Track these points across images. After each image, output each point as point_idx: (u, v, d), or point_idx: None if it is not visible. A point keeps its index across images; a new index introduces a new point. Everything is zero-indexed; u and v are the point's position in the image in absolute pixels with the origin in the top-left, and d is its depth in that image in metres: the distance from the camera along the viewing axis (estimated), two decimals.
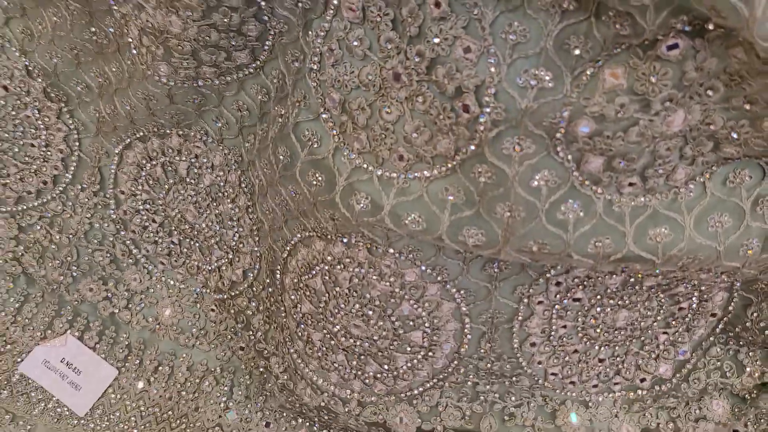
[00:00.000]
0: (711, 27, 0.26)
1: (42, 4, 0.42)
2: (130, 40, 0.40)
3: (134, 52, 0.40)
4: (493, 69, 0.30)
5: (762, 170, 0.33)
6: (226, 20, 0.35)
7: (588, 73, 0.29)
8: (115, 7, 0.38)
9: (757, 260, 0.34)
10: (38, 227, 0.52)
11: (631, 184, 0.32)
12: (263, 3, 0.35)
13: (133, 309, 0.54)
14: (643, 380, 0.45)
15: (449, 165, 0.33)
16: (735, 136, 0.30)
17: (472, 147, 0.32)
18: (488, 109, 0.30)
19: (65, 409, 0.52)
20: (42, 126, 0.49)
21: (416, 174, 0.34)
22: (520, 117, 0.30)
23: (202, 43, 0.37)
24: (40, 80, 0.46)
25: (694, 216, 0.33)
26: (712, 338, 0.44)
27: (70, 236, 0.52)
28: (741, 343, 0.44)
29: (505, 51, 0.30)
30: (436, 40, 0.30)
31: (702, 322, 0.43)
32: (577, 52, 0.29)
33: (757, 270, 0.35)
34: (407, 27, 0.31)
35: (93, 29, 0.42)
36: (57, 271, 0.53)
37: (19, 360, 0.53)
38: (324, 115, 0.36)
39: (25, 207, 0.52)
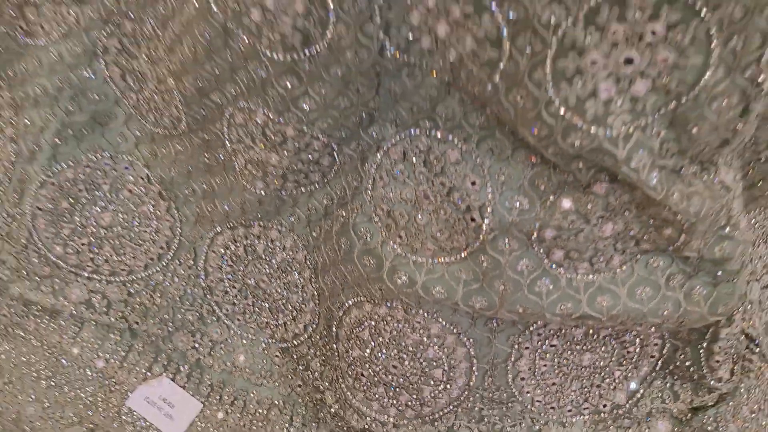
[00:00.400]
0: (620, 177, 0.43)
1: (169, 137, 0.60)
2: (236, 165, 0.57)
3: (237, 171, 0.57)
4: (490, 196, 0.47)
5: (670, 257, 0.50)
6: (310, 157, 0.53)
7: (550, 200, 0.46)
8: (230, 146, 0.55)
9: (672, 318, 0.50)
10: (144, 293, 0.68)
11: (583, 268, 0.49)
12: (336, 147, 0.52)
13: (215, 356, 0.69)
14: (605, 406, 0.60)
15: (462, 255, 0.50)
16: (646, 238, 0.47)
17: (477, 244, 0.48)
18: (488, 221, 0.47)
19: None
20: (154, 218, 0.65)
21: (439, 260, 0.51)
22: (508, 226, 0.47)
23: (290, 170, 0.54)
24: (157, 185, 0.63)
25: (627, 288, 0.50)
26: (653, 374, 0.59)
27: (168, 299, 0.68)
28: (675, 377, 0.59)
29: (497, 185, 0.47)
30: (453, 176, 0.47)
31: (645, 362, 0.59)
32: (542, 187, 0.46)
33: (673, 325, 0.51)
34: (434, 166, 0.48)
35: (207, 156, 0.59)
36: (156, 326, 0.69)
37: (126, 397, 0.69)
38: (375, 219, 0.52)
39: (134, 277, 0.68)
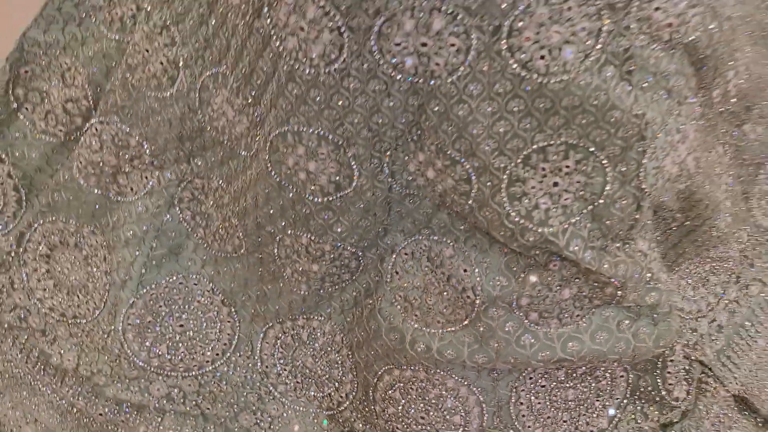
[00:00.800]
0: (565, 257, 0.61)
1: (230, 259, 0.77)
2: (285, 274, 0.74)
3: (285, 278, 0.75)
4: (478, 278, 0.64)
5: (617, 308, 0.67)
6: (342, 263, 0.71)
7: (521, 277, 0.64)
8: (279, 261, 0.73)
9: (626, 354, 0.67)
10: (212, 383, 0.84)
11: (554, 323, 0.66)
12: (361, 253, 0.70)
13: (274, 428, 0.85)
14: (591, 431, 0.76)
15: (464, 323, 0.67)
16: (595, 296, 0.65)
17: (473, 314, 0.66)
18: (479, 297, 0.65)
19: None
20: (218, 321, 0.82)
21: (447, 330, 0.68)
22: (494, 299, 0.65)
23: (327, 274, 0.72)
24: (220, 295, 0.81)
25: (588, 335, 0.67)
26: (625, 400, 0.76)
27: (232, 386, 0.84)
28: (643, 401, 0.75)
29: (482, 270, 0.64)
30: (449, 267, 0.65)
31: (617, 391, 0.75)
32: (515, 269, 0.63)
33: (629, 359, 0.68)
34: (434, 261, 0.66)
35: (260, 269, 0.76)
36: (224, 410, 0.85)
37: None
38: (395, 304, 0.70)
39: (204, 371, 0.84)
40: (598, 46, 0.47)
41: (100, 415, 0.83)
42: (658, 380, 0.73)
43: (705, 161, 0.60)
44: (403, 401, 0.73)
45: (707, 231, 0.70)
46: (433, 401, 0.72)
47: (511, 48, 0.47)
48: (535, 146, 0.52)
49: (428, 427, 0.74)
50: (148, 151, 0.71)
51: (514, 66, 0.48)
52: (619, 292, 0.63)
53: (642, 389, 0.74)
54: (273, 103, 0.55)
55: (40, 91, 0.73)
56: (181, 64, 0.61)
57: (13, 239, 0.82)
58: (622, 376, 0.74)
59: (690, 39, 0.50)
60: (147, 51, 0.62)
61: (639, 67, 0.49)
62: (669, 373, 0.72)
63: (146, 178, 0.74)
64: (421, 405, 0.73)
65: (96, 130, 0.71)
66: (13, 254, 0.83)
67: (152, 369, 0.81)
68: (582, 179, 0.55)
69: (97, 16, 0.68)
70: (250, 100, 0.57)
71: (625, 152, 0.53)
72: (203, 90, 0.62)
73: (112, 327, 0.79)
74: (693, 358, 0.80)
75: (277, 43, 0.51)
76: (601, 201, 0.56)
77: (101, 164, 0.73)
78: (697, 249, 0.76)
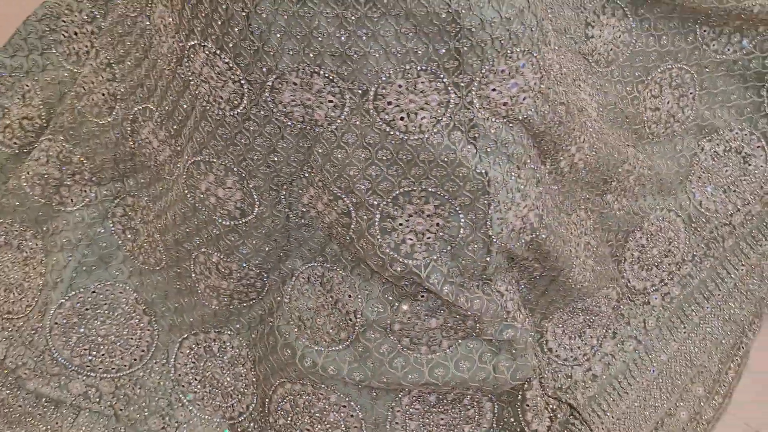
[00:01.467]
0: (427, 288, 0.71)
1: (152, 272, 0.86)
2: (198, 289, 0.83)
3: (199, 293, 0.84)
4: (360, 303, 0.74)
5: (481, 341, 0.76)
6: (248, 282, 0.80)
7: (395, 305, 0.73)
8: (194, 276, 0.82)
9: (486, 383, 0.76)
10: (127, 385, 0.91)
11: (423, 350, 0.75)
12: (265, 275, 0.80)
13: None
14: None
15: (346, 344, 0.76)
16: (459, 328, 0.74)
17: (354, 336, 0.75)
18: (359, 321, 0.74)
19: None
20: (138, 329, 0.90)
21: (332, 348, 0.77)
22: (371, 323, 0.74)
23: (235, 291, 0.81)
24: (142, 305, 0.89)
25: (453, 363, 0.76)
26: (492, 429, 0.84)
27: (146, 390, 0.91)
28: (507, 431, 0.84)
29: (364, 296, 0.74)
30: (338, 292, 0.75)
31: (484, 420, 0.84)
32: (390, 297, 0.73)
33: (490, 388, 0.77)
34: (326, 286, 0.76)
35: (178, 283, 0.85)
36: (135, 412, 0.91)
37: None
38: (291, 322, 0.79)
39: (121, 374, 0.91)
40: (447, 115, 0.59)
41: (20, 406, 0.90)
42: (519, 413, 0.82)
43: (553, 220, 0.72)
44: (292, 413, 0.82)
45: (566, 282, 0.81)
46: (317, 414, 0.81)
47: (377, 108, 0.58)
48: (401, 190, 0.63)
49: None
50: (87, 168, 0.81)
51: (380, 123, 0.59)
52: (478, 325, 0.73)
53: (506, 420, 0.84)
54: (190, 135, 0.66)
55: (3, 107, 0.83)
56: (118, 97, 0.72)
57: None
58: (489, 406, 0.83)
59: (523, 117, 0.62)
60: (92, 83, 0.73)
61: (482, 135, 0.60)
62: (527, 406, 0.81)
63: (85, 191, 0.84)
64: (307, 418, 0.81)
65: (44, 146, 0.81)
66: None
67: (73, 367, 0.89)
68: (441, 222, 0.65)
69: (57, 49, 0.79)
70: (172, 132, 0.68)
71: (474, 203, 0.64)
72: (134, 121, 0.73)
73: (40, 324, 0.87)
74: (563, 400, 0.90)
75: (194, 88, 0.62)
76: (457, 243, 0.66)
77: (46, 176, 0.82)
78: (564, 299, 0.86)
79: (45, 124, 0.83)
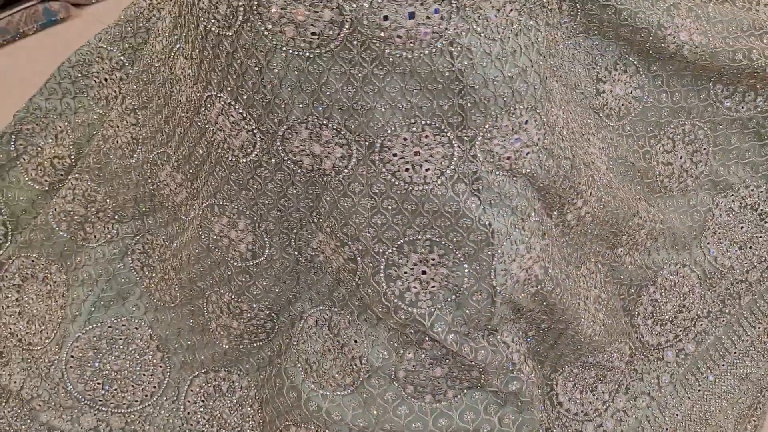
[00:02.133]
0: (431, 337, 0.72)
1: (167, 308, 0.88)
2: (210, 327, 0.85)
3: (211, 332, 0.86)
4: (366, 349, 0.75)
5: (487, 392, 0.76)
6: (258, 323, 0.81)
7: (400, 352, 0.74)
8: (207, 315, 0.84)
9: None
10: (137, 422, 0.93)
11: (428, 398, 0.75)
12: (275, 316, 0.81)
13: None
14: None
15: (351, 389, 0.77)
16: (464, 377, 0.74)
17: (359, 381, 0.76)
18: (364, 367, 0.75)
19: None
20: (151, 365, 0.92)
21: (337, 393, 0.77)
22: (376, 369, 0.75)
23: (245, 331, 0.82)
24: (156, 341, 0.91)
25: (458, 413, 0.75)
26: None
27: (155, 427, 0.93)
28: None
29: (370, 342, 0.75)
30: (344, 336, 0.76)
31: None
32: (395, 344, 0.74)
33: None
34: (333, 330, 0.77)
35: (191, 321, 0.87)
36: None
37: None
38: (298, 365, 0.80)
39: (132, 410, 0.92)
40: (452, 167, 0.60)
41: None
42: None
43: (560, 272, 0.72)
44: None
45: (574, 336, 0.80)
46: None
47: (383, 160, 0.60)
48: (406, 238, 0.65)
49: None
50: (110, 206, 0.84)
51: (386, 173, 0.61)
52: (483, 376, 0.73)
53: None
54: (206, 180, 0.69)
55: (37, 145, 0.88)
56: (140, 140, 0.76)
57: None
58: None
59: (527, 171, 0.63)
60: (118, 126, 0.77)
61: (486, 187, 0.62)
62: None
63: (107, 228, 0.87)
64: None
65: (71, 184, 0.85)
66: None
67: (85, 401, 0.91)
68: (445, 271, 0.66)
69: (88, 93, 0.83)
70: (188, 176, 0.71)
71: (478, 253, 0.65)
72: (153, 164, 0.76)
73: (57, 357, 0.90)
74: None
75: (210, 135, 0.65)
76: (461, 292, 0.67)
77: (72, 213, 0.86)
78: (575, 353, 0.86)
79: (74, 164, 0.87)
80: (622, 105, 0.84)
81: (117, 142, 0.77)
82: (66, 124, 0.86)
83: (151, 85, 0.72)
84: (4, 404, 0.93)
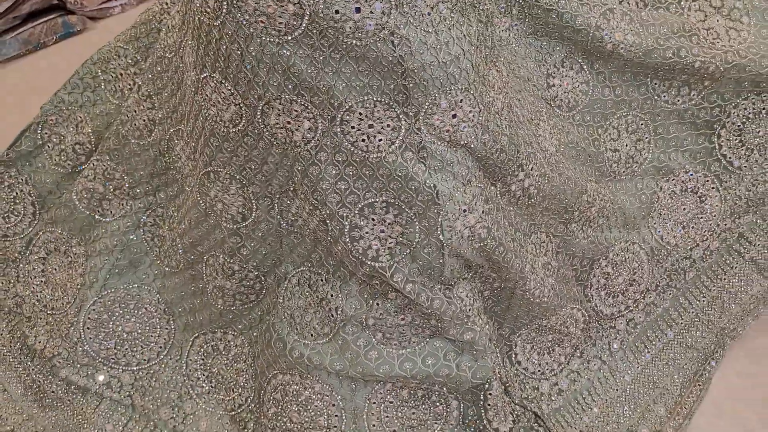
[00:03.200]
0: (394, 287, 0.84)
1: (172, 274, 1.01)
2: (208, 289, 0.98)
3: (208, 293, 0.98)
4: (341, 301, 0.87)
5: (446, 340, 0.88)
6: (248, 284, 0.94)
7: (370, 302, 0.86)
8: (205, 278, 0.97)
9: (449, 380, 0.87)
10: (145, 378, 1.04)
11: (395, 344, 0.87)
12: (263, 277, 0.94)
13: (186, 423, 1.03)
14: None
15: (329, 338, 0.89)
16: (425, 326, 0.86)
17: (335, 330, 0.88)
18: (340, 317, 0.87)
19: None
20: (158, 327, 1.04)
21: (317, 341, 0.89)
22: (350, 318, 0.87)
23: (237, 292, 0.95)
24: (163, 306, 1.03)
25: (420, 359, 0.87)
26: (458, 427, 0.94)
27: (160, 383, 1.05)
28: (471, 428, 0.94)
29: (344, 295, 0.87)
30: (322, 292, 0.88)
31: (452, 417, 0.93)
32: (366, 296, 0.86)
33: (454, 385, 0.88)
34: (312, 288, 0.89)
35: (192, 285, 1.00)
36: (149, 402, 1.04)
37: None
38: (283, 319, 0.92)
39: (140, 367, 1.05)
40: (400, 138, 0.73)
41: (53, 392, 1.04)
42: (482, 411, 0.92)
43: (504, 235, 0.84)
44: (282, 402, 0.94)
45: (524, 295, 0.92)
46: (304, 402, 0.92)
47: (343, 132, 0.73)
48: (366, 201, 0.77)
49: (298, 426, 0.93)
50: (127, 182, 0.98)
51: (346, 144, 0.74)
52: (440, 324, 0.85)
53: (470, 417, 0.93)
54: (202, 150, 0.82)
55: (60, 134, 1.02)
56: (156, 121, 0.89)
57: (24, 242, 1.08)
58: (455, 404, 0.93)
59: (464, 143, 0.75)
60: (135, 111, 0.91)
61: (430, 155, 0.74)
62: (489, 405, 0.91)
63: (122, 204, 1.00)
64: (294, 406, 0.93)
65: (93, 165, 0.99)
66: (22, 254, 1.08)
67: (100, 359, 1.03)
68: (400, 229, 0.79)
69: (106, 87, 0.98)
70: (192, 149, 0.85)
71: (426, 211, 0.77)
72: (170, 140, 0.90)
73: (76, 319, 1.03)
74: (528, 408, 0.99)
75: (206, 111, 0.78)
76: (414, 246, 0.80)
77: (92, 190, 1.00)
78: (528, 314, 0.97)
79: (94, 148, 1.01)
80: (571, 97, 0.96)
81: (135, 124, 0.91)
82: (86, 114, 1.00)
83: (166, 73, 0.86)
84: (29, 362, 1.06)
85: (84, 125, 1.00)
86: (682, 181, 1.06)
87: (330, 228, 0.80)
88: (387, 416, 0.93)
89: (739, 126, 1.03)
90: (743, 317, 1.10)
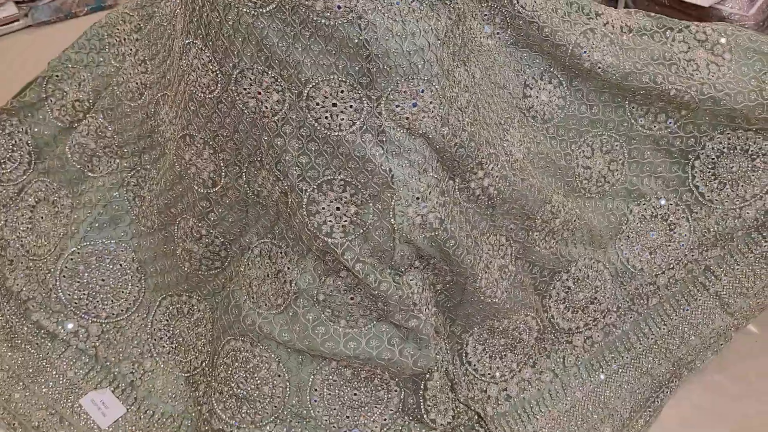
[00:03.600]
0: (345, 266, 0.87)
1: (147, 234, 1.06)
2: (177, 251, 1.02)
3: (177, 256, 1.03)
4: (295, 274, 0.90)
5: (393, 325, 0.91)
6: (214, 249, 0.98)
7: (323, 278, 0.89)
8: (176, 240, 1.01)
9: (390, 364, 0.90)
10: (111, 331, 1.09)
11: (342, 323, 0.90)
12: (228, 245, 0.98)
13: (143, 379, 1.06)
14: None
15: (281, 308, 0.92)
16: (373, 308, 0.89)
17: (287, 302, 0.91)
18: (293, 289, 0.91)
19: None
20: (130, 284, 1.09)
21: (270, 311, 0.93)
22: (302, 292, 0.90)
23: (203, 257, 0.99)
24: (136, 263, 1.08)
25: (365, 340, 0.90)
26: (397, 413, 0.96)
27: (125, 338, 1.08)
28: (410, 417, 0.96)
29: (299, 269, 0.90)
30: (280, 264, 0.92)
31: (392, 403, 0.95)
32: (319, 271, 0.89)
33: (395, 370, 0.90)
34: (272, 259, 0.93)
35: (164, 247, 1.04)
36: (112, 355, 1.08)
37: (80, 397, 1.06)
38: (242, 288, 0.95)
39: (109, 321, 1.09)
40: (361, 119, 0.77)
41: (23, 333, 1.09)
42: (420, 401, 0.94)
43: (458, 229, 0.87)
44: (231, 367, 0.97)
45: (475, 292, 0.94)
46: (251, 369, 0.95)
47: (308, 107, 0.77)
48: (325, 178, 0.81)
49: (244, 392, 0.96)
50: (116, 141, 1.03)
51: (311, 119, 0.78)
52: (386, 308, 0.88)
53: (410, 406, 0.96)
54: (180, 114, 0.87)
55: (62, 90, 1.08)
56: (148, 85, 0.95)
57: (16, 189, 1.14)
58: (396, 390, 0.96)
59: (423, 132, 0.78)
60: (130, 74, 0.97)
61: (388, 140, 0.78)
62: (428, 395, 0.94)
63: (110, 162, 1.06)
64: (242, 372, 0.96)
65: (88, 121, 1.04)
66: (12, 200, 1.14)
67: (71, 307, 1.07)
68: (354, 209, 0.82)
69: (110, 50, 1.04)
70: (174, 114, 0.90)
71: (380, 194, 0.80)
72: (157, 104, 0.95)
73: (54, 266, 1.08)
74: (472, 408, 1.01)
75: (187, 76, 0.83)
76: (367, 227, 0.83)
77: (84, 146, 1.05)
78: (480, 312, 0.99)
79: (91, 107, 1.07)
80: (546, 110, 0.99)
81: (128, 86, 0.97)
82: (88, 74, 1.06)
83: (160, 40, 0.91)
84: (5, 303, 1.11)
85: (85, 84, 1.06)
86: (653, 207, 1.08)
87: (290, 200, 0.84)
88: (329, 393, 0.95)
89: (713, 159, 1.05)
90: (703, 351, 1.10)
